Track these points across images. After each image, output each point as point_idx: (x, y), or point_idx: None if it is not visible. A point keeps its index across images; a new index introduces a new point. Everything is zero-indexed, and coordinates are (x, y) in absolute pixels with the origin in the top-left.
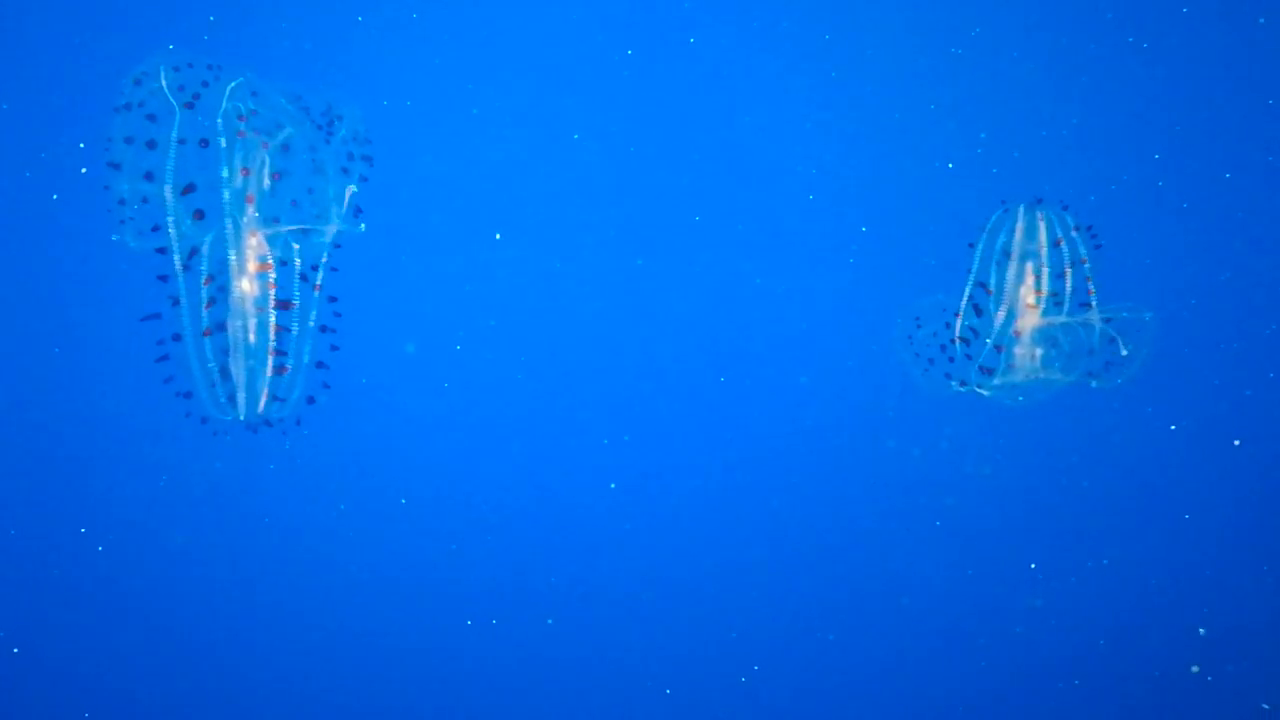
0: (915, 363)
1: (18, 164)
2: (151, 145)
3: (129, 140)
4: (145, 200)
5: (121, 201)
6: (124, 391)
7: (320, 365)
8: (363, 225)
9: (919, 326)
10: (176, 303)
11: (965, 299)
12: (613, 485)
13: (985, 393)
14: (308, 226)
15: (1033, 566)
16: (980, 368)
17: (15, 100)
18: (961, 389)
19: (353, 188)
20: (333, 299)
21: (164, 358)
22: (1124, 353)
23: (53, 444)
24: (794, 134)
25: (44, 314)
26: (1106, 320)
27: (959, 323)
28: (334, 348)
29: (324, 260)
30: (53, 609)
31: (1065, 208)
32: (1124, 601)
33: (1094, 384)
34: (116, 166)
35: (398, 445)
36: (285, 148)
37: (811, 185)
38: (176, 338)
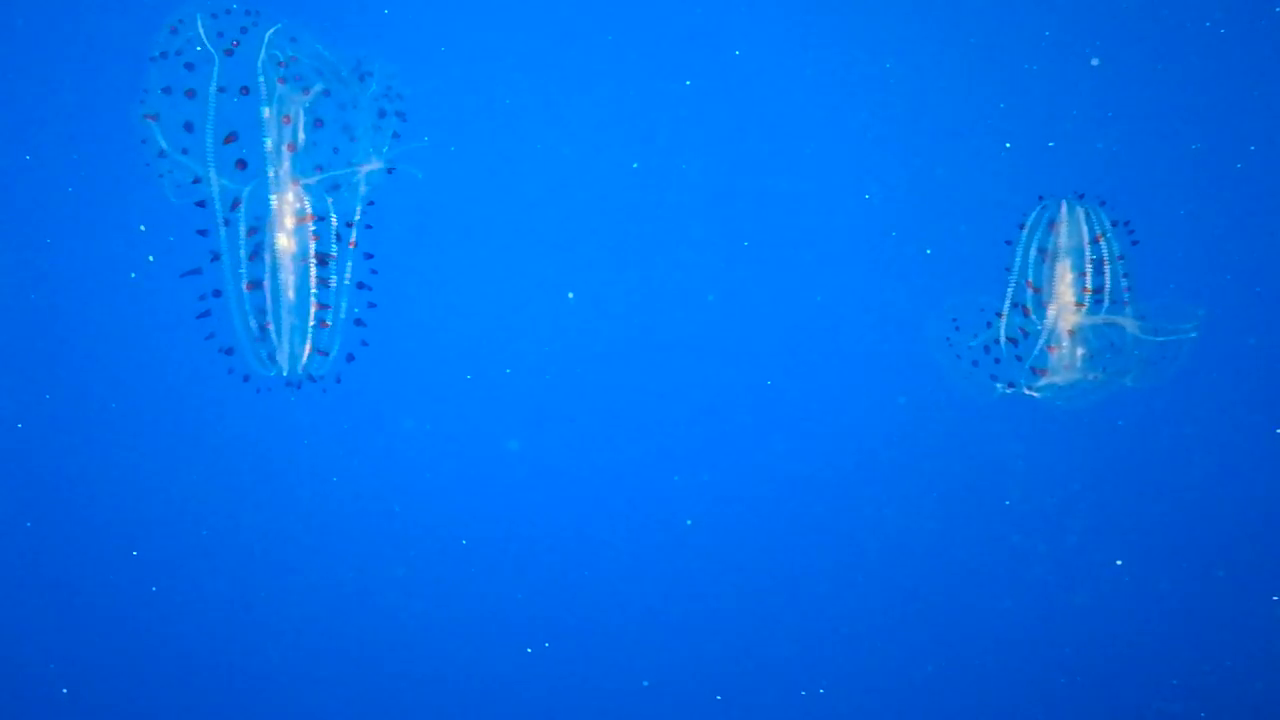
0: (956, 365)
1: (51, 121)
2: (191, 95)
3: (167, 90)
4: (185, 151)
5: (162, 153)
6: (166, 349)
7: (359, 323)
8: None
9: (957, 328)
10: (217, 257)
11: (1009, 298)
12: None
13: (1035, 394)
14: (346, 177)
15: (1119, 563)
16: (1031, 368)
17: (46, 55)
18: (1009, 391)
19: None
20: (369, 255)
21: (205, 314)
22: (1161, 352)
23: (95, 405)
24: (842, 143)
25: (85, 271)
26: (1141, 318)
27: (1003, 323)
28: (372, 305)
29: (357, 216)
30: (96, 567)
31: (1103, 203)
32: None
33: (1129, 383)
34: (154, 117)
35: (436, 423)
36: (326, 94)
37: (865, 188)
38: (217, 293)
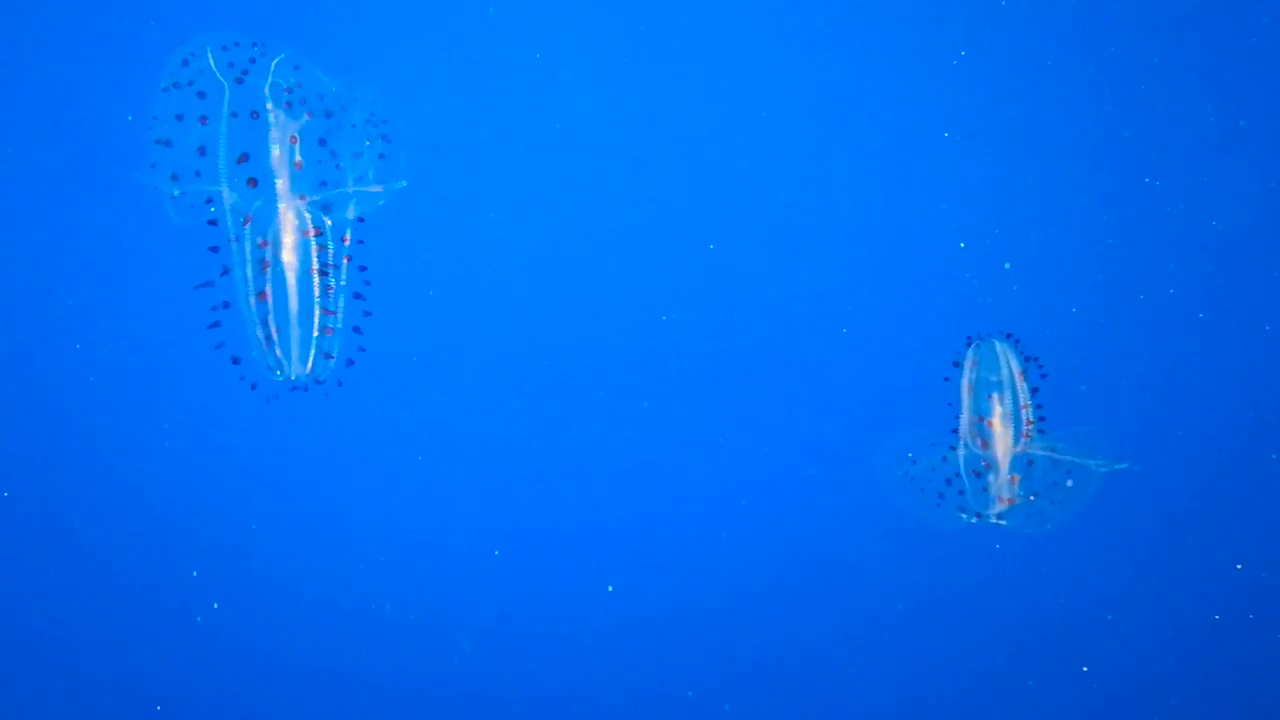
0: (920, 499)
1: (63, 143)
2: (204, 120)
3: (179, 117)
4: (198, 174)
5: (174, 176)
6: (175, 359)
7: (357, 330)
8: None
9: (914, 462)
10: (226, 271)
11: (963, 431)
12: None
13: (1002, 522)
14: (340, 194)
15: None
16: (995, 498)
17: (55, 85)
18: (976, 521)
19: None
20: (363, 268)
21: (215, 324)
22: (1069, 483)
23: (106, 412)
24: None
25: (96, 287)
26: (1052, 449)
27: (960, 456)
28: (367, 314)
29: (350, 230)
30: (107, 572)
31: (1017, 340)
32: None
33: (1048, 509)
34: (166, 143)
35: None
36: (328, 115)
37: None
38: (226, 305)
